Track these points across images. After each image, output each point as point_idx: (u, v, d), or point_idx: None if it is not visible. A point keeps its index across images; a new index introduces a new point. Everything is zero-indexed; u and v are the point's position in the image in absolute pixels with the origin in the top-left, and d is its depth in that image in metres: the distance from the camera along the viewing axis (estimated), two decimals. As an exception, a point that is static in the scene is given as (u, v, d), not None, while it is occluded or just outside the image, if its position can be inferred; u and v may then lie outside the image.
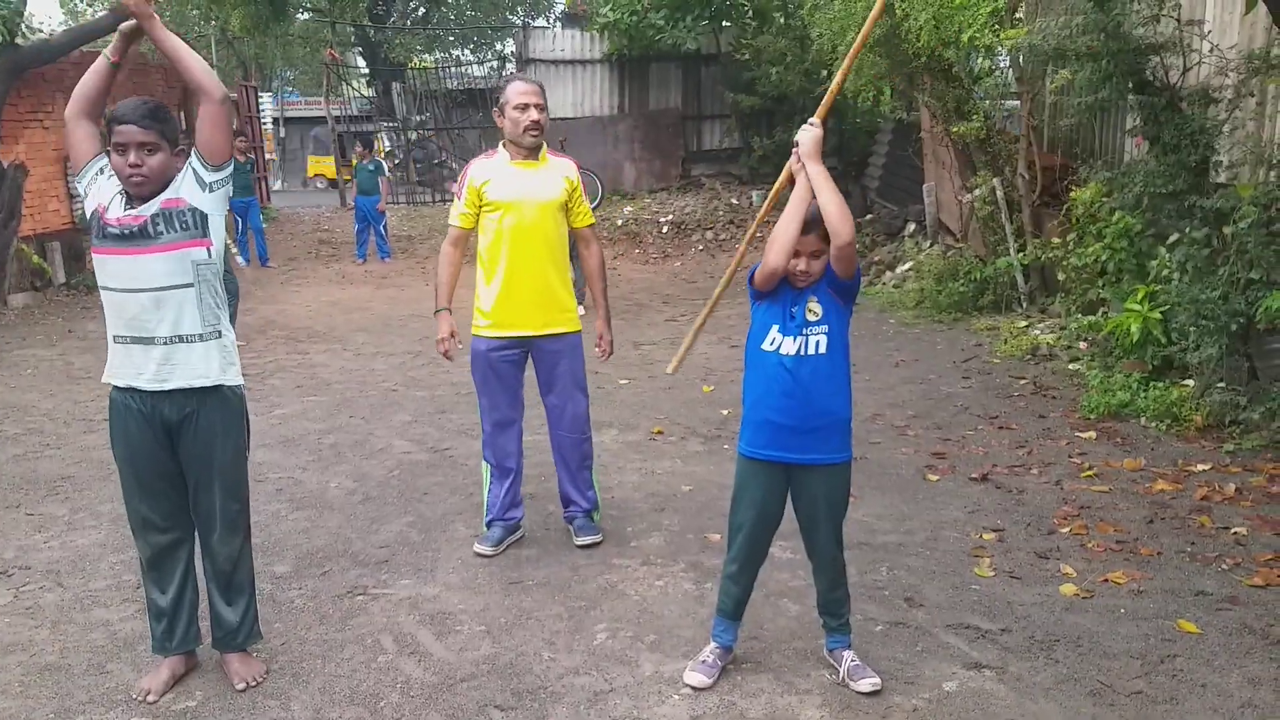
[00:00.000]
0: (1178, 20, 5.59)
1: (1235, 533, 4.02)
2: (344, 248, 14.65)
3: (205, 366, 2.88)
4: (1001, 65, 8.92)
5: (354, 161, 14.80)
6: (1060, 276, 7.37)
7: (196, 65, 2.83)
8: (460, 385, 6.69)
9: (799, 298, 2.87)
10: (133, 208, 2.81)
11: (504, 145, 3.93)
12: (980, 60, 8.36)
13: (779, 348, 2.87)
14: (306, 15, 24.29)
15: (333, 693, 3.00)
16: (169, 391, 2.86)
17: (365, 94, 23.53)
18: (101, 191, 2.85)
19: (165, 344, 2.84)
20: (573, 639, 3.29)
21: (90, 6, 23.54)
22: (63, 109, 2.97)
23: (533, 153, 3.89)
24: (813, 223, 2.79)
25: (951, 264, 9.16)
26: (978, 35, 7.47)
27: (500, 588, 3.69)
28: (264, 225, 13.62)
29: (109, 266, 2.83)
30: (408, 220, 16.61)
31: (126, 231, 2.79)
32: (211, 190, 2.87)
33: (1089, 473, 4.76)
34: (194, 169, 2.86)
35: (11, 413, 6.32)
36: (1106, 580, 3.63)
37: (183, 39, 2.92)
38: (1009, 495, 4.53)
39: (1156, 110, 5.43)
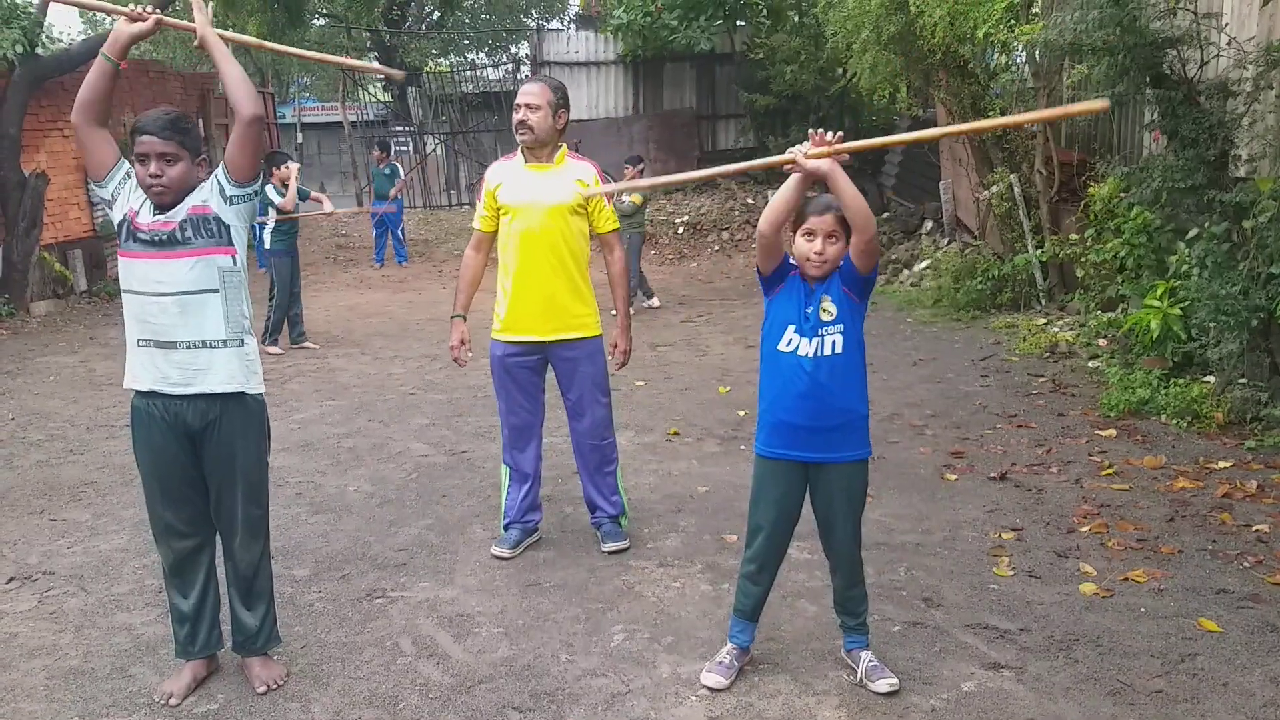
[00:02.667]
0: (1194, 13, 5.54)
1: (1257, 530, 3.99)
2: (361, 252, 14.72)
3: (228, 373, 2.90)
4: (1018, 61, 8.88)
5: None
6: (1079, 273, 7.33)
7: (233, 79, 2.83)
8: (477, 389, 6.72)
9: (812, 296, 2.85)
10: (162, 213, 2.84)
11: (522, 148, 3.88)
12: (996, 56, 8.31)
13: (796, 348, 2.85)
14: (322, 21, 24.43)
15: (352, 695, 3.02)
16: (192, 397, 2.88)
17: (381, 99, 23.62)
18: (131, 197, 2.87)
19: (187, 348, 2.86)
20: (590, 640, 3.30)
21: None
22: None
23: (544, 154, 3.80)
24: (831, 204, 2.77)
25: (969, 261, 9.13)
26: (993, 31, 7.43)
27: (518, 590, 3.70)
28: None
29: (136, 270, 2.85)
30: (425, 224, 16.67)
31: (157, 237, 2.82)
32: (232, 203, 2.88)
33: (1109, 471, 4.73)
34: (218, 180, 2.88)
35: (34, 419, 6.39)
36: (1127, 579, 3.61)
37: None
38: (1028, 494, 4.51)
39: (1174, 104, 5.39)
